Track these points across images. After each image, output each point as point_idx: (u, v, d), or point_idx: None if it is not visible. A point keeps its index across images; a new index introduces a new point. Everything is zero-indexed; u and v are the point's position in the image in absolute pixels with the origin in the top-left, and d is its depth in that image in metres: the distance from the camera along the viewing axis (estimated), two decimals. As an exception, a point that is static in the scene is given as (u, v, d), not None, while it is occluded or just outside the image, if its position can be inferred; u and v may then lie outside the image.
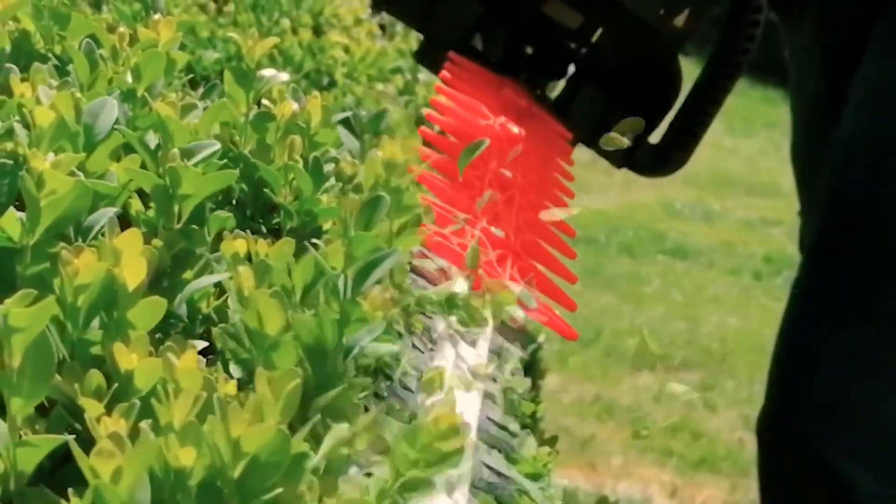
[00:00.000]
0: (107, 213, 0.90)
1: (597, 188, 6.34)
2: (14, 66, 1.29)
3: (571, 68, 2.34)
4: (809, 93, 2.04)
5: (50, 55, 1.45)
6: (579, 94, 2.27)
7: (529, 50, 2.38)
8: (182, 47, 1.78)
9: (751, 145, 8.56)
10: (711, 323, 5.06)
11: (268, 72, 1.31)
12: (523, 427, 1.38)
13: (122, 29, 1.54)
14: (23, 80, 1.20)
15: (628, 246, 5.83)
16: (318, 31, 2.66)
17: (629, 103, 2.15)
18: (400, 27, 3.04)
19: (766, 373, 1.80)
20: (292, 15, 2.65)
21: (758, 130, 8.98)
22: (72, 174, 0.87)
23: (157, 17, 1.51)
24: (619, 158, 2.28)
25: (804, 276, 1.79)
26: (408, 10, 2.41)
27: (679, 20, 2.12)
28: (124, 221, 0.95)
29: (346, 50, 2.54)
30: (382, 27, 3.02)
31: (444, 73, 1.99)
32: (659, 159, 2.16)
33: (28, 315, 0.65)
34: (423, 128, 1.51)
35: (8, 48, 1.36)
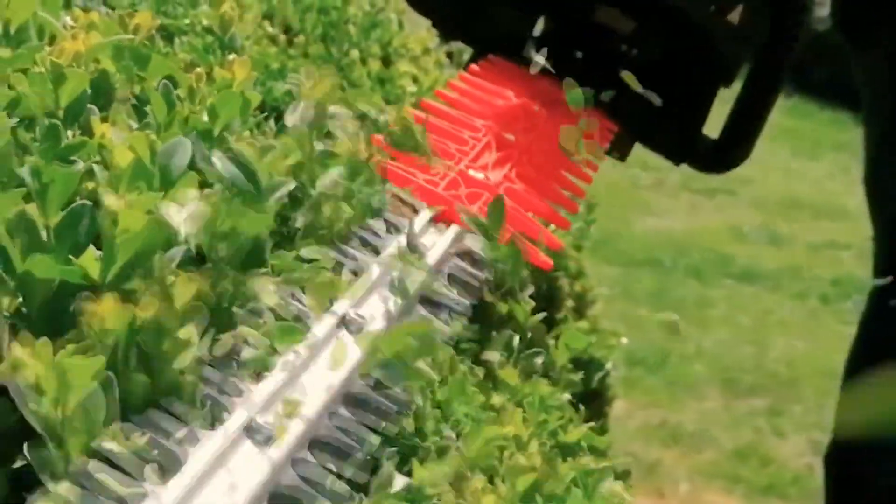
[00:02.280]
0: (179, 252, 0.92)
1: (662, 211, 6.32)
2: (94, 107, 1.32)
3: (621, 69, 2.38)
4: (884, 116, 2.04)
5: (130, 96, 1.49)
6: (630, 94, 2.30)
7: (579, 54, 2.43)
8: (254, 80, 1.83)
9: (818, 168, 8.48)
10: (779, 347, 5.02)
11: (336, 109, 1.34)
12: (596, 458, 1.39)
13: (199, 69, 1.58)
14: (103, 120, 1.23)
15: (694, 269, 5.80)
16: (386, 61, 2.68)
17: (680, 100, 2.20)
18: (467, 55, 3.05)
19: (834, 398, 1.79)
20: (361, 45, 2.68)
21: (825, 153, 8.90)
22: (149, 213, 0.90)
23: (231, 56, 1.55)
24: (678, 154, 2.32)
25: (872, 305, 1.79)
26: (457, 22, 2.47)
27: (733, 16, 2.15)
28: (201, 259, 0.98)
29: (415, 80, 2.56)
30: (450, 56, 3.05)
31: (474, 66, 2.08)
32: (718, 155, 2.19)
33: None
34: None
35: (89, 90, 1.39)
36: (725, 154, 2.17)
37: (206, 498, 0.71)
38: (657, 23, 2.18)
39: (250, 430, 0.80)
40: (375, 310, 1.06)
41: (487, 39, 2.39)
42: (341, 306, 1.00)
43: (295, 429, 0.84)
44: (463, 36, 2.52)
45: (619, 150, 2.61)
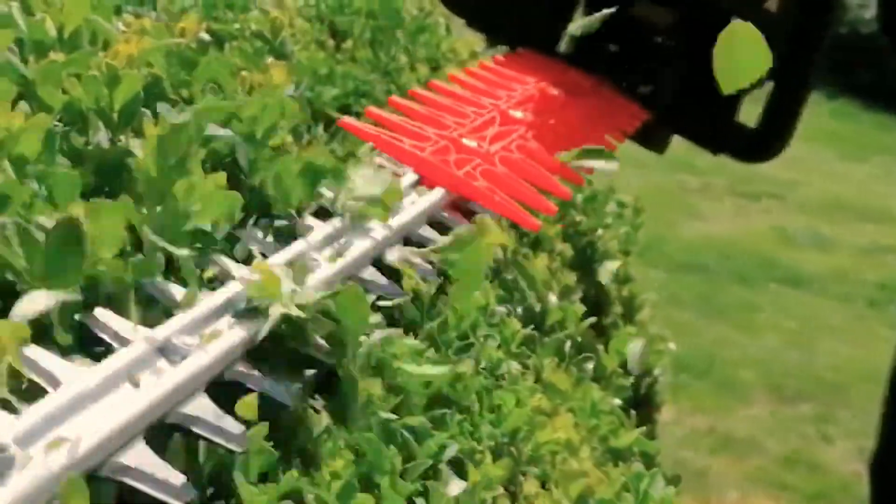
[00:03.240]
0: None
1: (708, 214, 6.29)
2: (147, 111, 1.34)
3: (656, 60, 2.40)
4: None
5: (179, 99, 1.51)
6: (668, 85, 2.33)
7: (614, 47, 2.46)
8: (299, 85, 1.84)
9: (863, 170, 8.41)
10: (825, 352, 4.98)
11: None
12: (647, 467, 1.39)
13: (244, 73, 1.59)
14: (155, 124, 1.25)
15: (740, 273, 5.76)
16: (435, 65, 2.68)
17: (715, 90, 2.22)
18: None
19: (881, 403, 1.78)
20: (410, 50, 2.68)
21: (870, 156, 8.82)
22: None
23: (269, 60, 1.57)
24: (716, 144, 2.35)
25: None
26: (490, 19, 2.49)
27: (770, 4, 2.17)
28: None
29: (462, 84, 2.56)
30: (497, 60, 3.04)
31: (498, 56, 2.16)
32: (757, 144, 2.21)
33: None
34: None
35: (141, 93, 1.41)
36: (764, 143, 2.20)
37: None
38: (693, 14, 2.21)
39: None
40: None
41: (520, 34, 2.42)
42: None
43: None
44: (495, 32, 2.54)
45: (658, 144, 2.63)
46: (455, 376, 1.14)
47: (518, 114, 1.84)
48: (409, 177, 1.44)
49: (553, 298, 1.57)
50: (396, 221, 1.29)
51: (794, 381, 4.57)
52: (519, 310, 1.44)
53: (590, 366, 1.54)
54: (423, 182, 1.43)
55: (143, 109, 1.35)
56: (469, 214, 1.44)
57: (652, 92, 2.37)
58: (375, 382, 1.05)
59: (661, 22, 2.34)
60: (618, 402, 1.55)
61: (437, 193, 1.42)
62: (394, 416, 1.02)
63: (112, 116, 1.35)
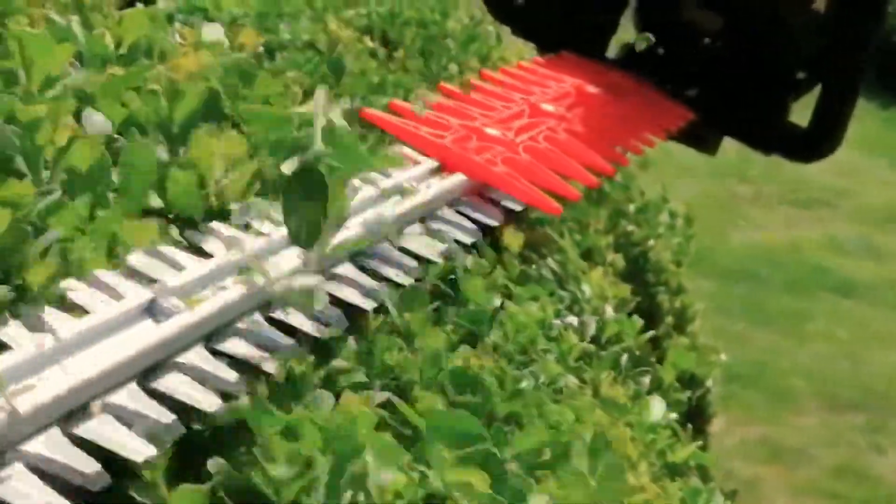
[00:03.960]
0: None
1: (759, 223, 6.24)
2: (205, 124, 1.35)
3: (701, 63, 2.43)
4: None
5: (234, 113, 1.52)
6: (717, 87, 2.36)
7: (661, 51, 2.48)
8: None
9: (916, 178, 8.31)
10: (877, 362, 4.93)
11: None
12: (703, 480, 1.38)
13: (296, 89, 1.62)
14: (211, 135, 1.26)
15: (791, 282, 5.71)
16: (486, 74, 2.68)
17: (765, 91, 2.25)
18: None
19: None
20: (460, 59, 2.68)
21: (923, 164, 8.73)
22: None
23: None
24: (767, 145, 2.37)
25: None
26: (537, 26, 2.51)
27: (818, 4, 2.19)
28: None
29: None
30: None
31: (539, 58, 2.21)
32: (808, 143, 2.24)
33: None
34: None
35: (199, 108, 1.42)
36: (815, 142, 2.23)
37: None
38: (742, 17, 2.24)
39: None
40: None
41: (566, 41, 2.43)
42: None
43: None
44: (542, 39, 2.55)
45: (709, 145, 2.64)
46: (515, 392, 1.13)
47: (549, 108, 1.89)
48: (430, 164, 1.48)
49: (610, 311, 1.56)
50: (411, 202, 1.33)
51: (846, 391, 4.53)
52: (576, 323, 1.44)
53: (646, 379, 1.53)
54: (443, 168, 1.48)
55: (202, 123, 1.37)
56: (494, 203, 1.48)
57: (701, 94, 2.40)
58: (436, 398, 1.05)
59: (709, 25, 2.36)
60: (674, 416, 1.54)
61: (458, 179, 1.46)
62: (455, 433, 1.02)
63: (171, 129, 1.36)
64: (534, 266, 1.47)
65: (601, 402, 1.36)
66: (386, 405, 1.00)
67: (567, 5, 2.51)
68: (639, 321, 1.60)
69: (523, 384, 1.16)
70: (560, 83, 2.09)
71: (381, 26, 2.80)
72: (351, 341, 1.06)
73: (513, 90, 1.98)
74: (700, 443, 1.46)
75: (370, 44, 2.71)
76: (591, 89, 2.10)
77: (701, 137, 2.52)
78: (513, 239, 1.47)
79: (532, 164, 1.60)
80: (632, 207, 2.73)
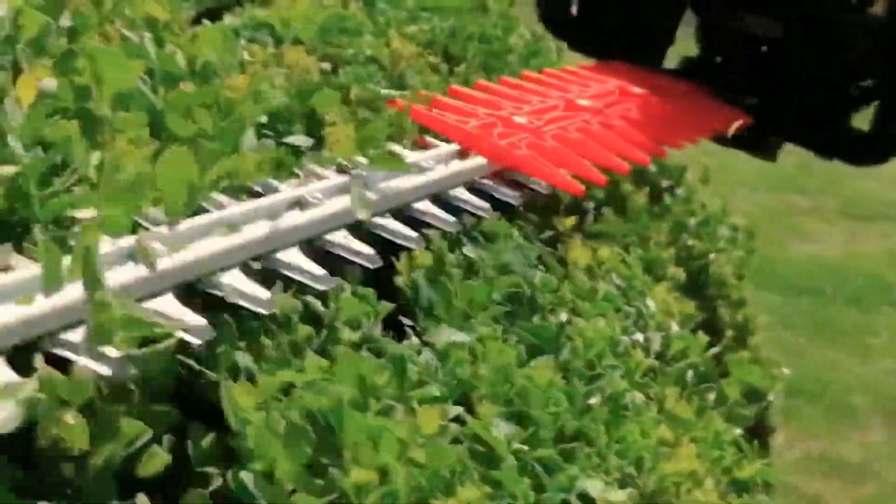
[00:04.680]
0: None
1: (820, 236, 6.19)
2: (270, 134, 1.38)
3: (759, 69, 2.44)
4: None
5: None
6: (776, 93, 2.37)
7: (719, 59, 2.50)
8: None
9: (981, 192, 8.21)
10: (942, 377, 4.87)
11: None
12: (769, 497, 1.37)
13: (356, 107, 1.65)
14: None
15: (855, 297, 5.65)
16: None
17: (826, 96, 2.26)
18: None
19: None
20: (521, 74, 2.68)
21: None
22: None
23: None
24: (828, 149, 2.37)
25: None
26: (592, 39, 2.52)
27: (877, 7, 2.19)
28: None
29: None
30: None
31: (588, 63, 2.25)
32: (870, 147, 2.24)
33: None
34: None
35: (265, 119, 1.44)
36: (877, 146, 2.23)
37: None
38: (801, 22, 2.24)
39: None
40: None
41: (621, 53, 2.44)
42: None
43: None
44: (597, 53, 2.56)
45: (768, 151, 2.64)
46: (584, 408, 1.14)
47: (586, 102, 1.94)
48: (452, 147, 1.54)
49: (675, 327, 1.56)
50: (426, 177, 1.39)
51: (910, 406, 4.48)
52: (641, 339, 1.44)
53: (712, 395, 1.53)
54: (465, 151, 1.53)
55: (268, 132, 1.40)
56: (518, 186, 1.53)
57: (761, 100, 2.41)
58: (505, 413, 1.06)
59: (769, 32, 2.37)
60: (739, 431, 1.54)
61: (479, 160, 1.52)
62: (525, 448, 1.03)
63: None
64: (600, 282, 1.47)
65: (666, 417, 1.37)
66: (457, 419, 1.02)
67: (622, 18, 2.52)
68: (704, 338, 1.60)
69: (592, 400, 1.17)
70: (603, 84, 2.15)
71: (444, 41, 2.82)
72: (424, 355, 1.07)
73: (551, 88, 2.04)
74: (767, 460, 1.46)
75: (432, 59, 2.73)
76: (636, 90, 2.16)
77: (760, 144, 2.53)
78: (580, 254, 1.48)
79: (558, 150, 1.64)
80: (693, 221, 2.72)
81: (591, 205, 2.49)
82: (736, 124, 2.32)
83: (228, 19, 2.78)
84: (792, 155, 2.62)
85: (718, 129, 2.27)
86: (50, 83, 1.24)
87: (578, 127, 1.77)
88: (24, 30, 1.42)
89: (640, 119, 1.97)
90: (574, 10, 2.56)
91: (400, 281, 1.19)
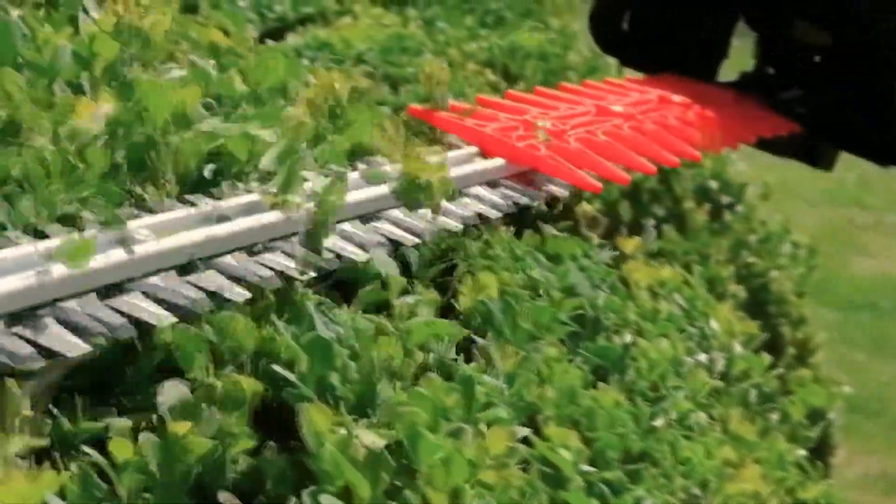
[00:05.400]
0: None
1: (880, 251, 6.14)
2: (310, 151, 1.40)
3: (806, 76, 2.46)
4: None
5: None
6: (829, 101, 2.38)
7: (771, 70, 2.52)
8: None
9: None
10: None
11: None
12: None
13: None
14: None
15: (915, 313, 5.60)
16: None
17: (880, 103, 2.26)
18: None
19: None
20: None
21: None
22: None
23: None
24: (884, 156, 2.38)
25: None
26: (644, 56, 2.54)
27: None
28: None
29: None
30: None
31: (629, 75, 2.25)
32: None
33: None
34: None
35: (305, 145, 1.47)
36: None
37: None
38: (853, 32, 2.26)
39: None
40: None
41: (671, 68, 2.46)
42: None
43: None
44: (650, 69, 2.57)
45: (824, 161, 2.65)
46: (649, 429, 1.15)
47: (618, 108, 1.95)
48: (470, 149, 1.55)
49: (738, 347, 1.57)
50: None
51: (972, 425, 4.42)
52: (704, 359, 1.45)
53: (775, 416, 1.53)
54: (484, 153, 1.54)
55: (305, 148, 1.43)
56: (536, 185, 1.54)
57: (815, 109, 2.43)
58: (572, 435, 1.07)
59: (819, 42, 2.40)
60: (803, 452, 1.54)
61: (498, 161, 1.53)
62: (592, 470, 1.04)
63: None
64: (662, 302, 1.48)
65: (730, 438, 1.37)
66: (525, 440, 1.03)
67: (672, 33, 2.54)
68: (766, 358, 1.61)
69: (657, 421, 1.18)
70: (644, 93, 2.16)
71: (503, 59, 2.84)
72: (491, 376, 1.09)
73: (585, 96, 2.05)
74: (831, 481, 1.46)
75: (491, 76, 2.75)
76: (676, 98, 2.16)
77: (816, 153, 2.55)
78: (642, 274, 1.49)
79: (580, 151, 1.65)
80: (753, 238, 2.72)
81: (651, 222, 2.51)
82: (778, 132, 2.34)
83: (291, 39, 2.82)
84: (853, 170, 2.62)
85: (762, 136, 2.28)
86: (107, 108, 1.26)
87: (607, 131, 1.78)
88: (99, 56, 1.45)
89: (676, 124, 1.99)
90: (625, 26, 2.57)
91: (466, 302, 1.21)
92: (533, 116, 1.74)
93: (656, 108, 2.04)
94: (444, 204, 1.31)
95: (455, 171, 1.39)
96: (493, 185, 1.47)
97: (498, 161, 1.52)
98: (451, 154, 1.49)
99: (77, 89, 1.39)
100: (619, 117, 1.90)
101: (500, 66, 2.84)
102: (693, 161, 2.02)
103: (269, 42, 2.75)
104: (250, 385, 0.93)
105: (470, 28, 3.04)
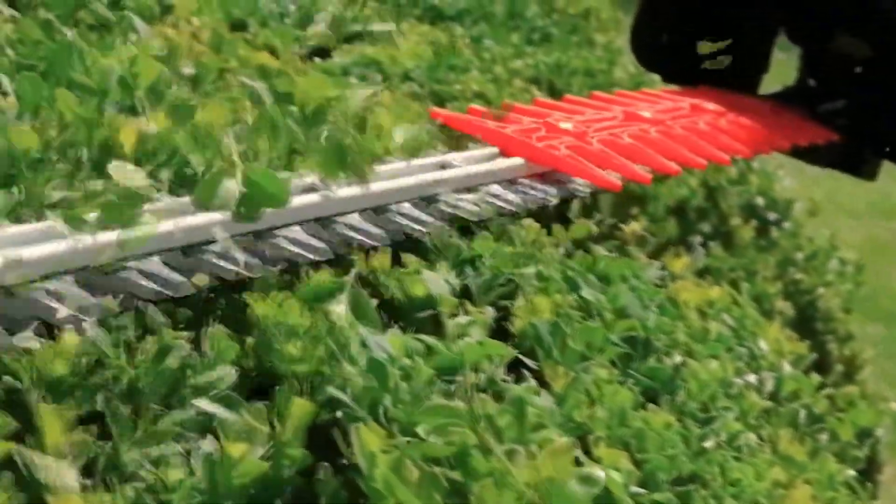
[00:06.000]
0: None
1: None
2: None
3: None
4: None
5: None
6: (871, 111, 2.40)
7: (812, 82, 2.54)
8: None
9: None
10: None
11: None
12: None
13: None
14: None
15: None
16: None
17: None
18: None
19: None
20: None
21: None
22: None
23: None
24: None
25: None
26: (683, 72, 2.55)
27: None
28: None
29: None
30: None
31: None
32: None
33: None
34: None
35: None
36: None
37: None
38: (893, 41, 2.29)
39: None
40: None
41: (713, 83, 2.47)
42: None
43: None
44: (690, 82, 2.58)
45: (867, 171, 2.66)
46: (699, 451, 1.15)
47: (647, 114, 1.97)
48: (490, 149, 1.60)
49: (787, 367, 1.57)
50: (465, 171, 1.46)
51: None
52: (754, 380, 1.45)
53: (824, 436, 1.53)
54: (503, 153, 1.58)
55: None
56: (558, 182, 1.57)
57: (856, 119, 2.46)
58: (622, 456, 1.08)
59: (859, 53, 2.42)
60: (853, 472, 1.54)
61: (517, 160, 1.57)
62: (643, 491, 1.04)
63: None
64: (711, 322, 1.48)
65: (780, 459, 1.37)
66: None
67: (712, 47, 2.55)
68: (816, 378, 1.60)
69: (706, 443, 1.18)
70: (676, 102, 2.18)
71: (549, 76, 2.85)
72: (543, 397, 1.09)
73: (614, 103, 2.07)
74: (878, 502, 1.45)
75: (537, 93, 2.76)
76: (710, 106, 2.18)
77: (858, 163, 2.56)
78: (691, 294, 1.49)
79: (602, 152, 1.67)
80: (800, 255, 2.71)
81: (698, 239, 2.50)
82: (814, 140, 2.36)
83: (338, 57, 2.83)
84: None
85: (797, 143, 2.29)
86: (150, 129, 1.28)
87: (633, 134, 1.81)
88: (141, 78, 1.47)
89: (706, 129, 2.01)
90: (664, 42, 2.59)
91: (517, 323, 1.21)
92: (555, 119, 1.78)
93: (688, 115, 2.08)
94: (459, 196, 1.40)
95: (474, 169, 1.47)
96: (513, 182, 1.54)
97: (517, 160, 1.56)
98: (471, 153, 1.56)
99: (126, 110, 1.41)
100: (647, 122, 1.93)
101: (546, 83, 2.84)
102: (721, 164, 2.05)
103: (316, 60, 2.77)
104: (304, 405, 0.94)
105: (516, 45, 3.05)
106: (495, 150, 1.60)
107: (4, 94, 1.33)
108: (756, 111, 2.27)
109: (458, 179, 1.43)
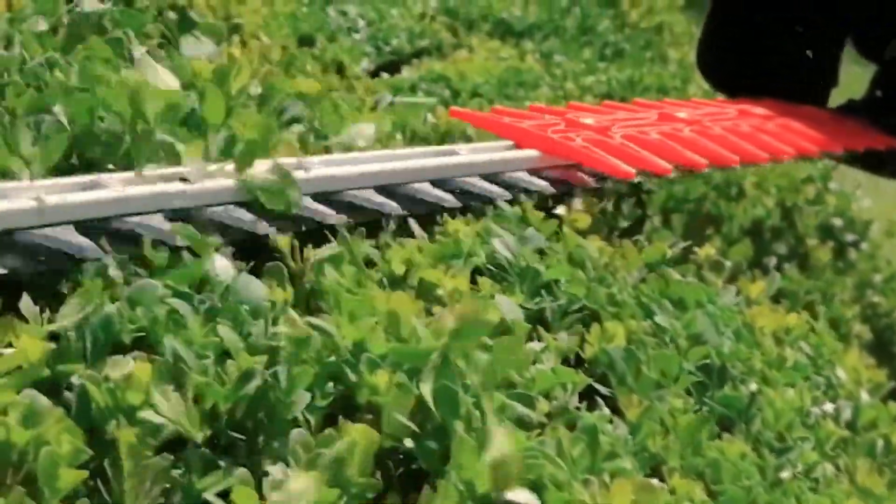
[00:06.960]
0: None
1: None
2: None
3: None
4: None
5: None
6: None
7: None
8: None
9: None
10: None
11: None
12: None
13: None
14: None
15: None
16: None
17: None
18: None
19: None
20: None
21: None
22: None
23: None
24: None
25: None
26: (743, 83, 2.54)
27: None
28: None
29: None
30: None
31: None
32: None
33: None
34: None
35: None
36: None
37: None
38: None
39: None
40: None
41: (767, 93, 2.45)
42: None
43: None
44: (743, 94, 2.56)
45: None
46: (775, 481, 1.13)
47: (683, 114, 1.98)
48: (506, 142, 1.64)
49: (865, 396, 1.53)
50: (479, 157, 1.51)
51: None
52: (831, 409, 1.41)
53: (903, 466, 1.49)
54: (518, 146, 1.62)
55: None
56: (578, 180, 1.61)
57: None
58: (697, 487, 1.05)
59: None
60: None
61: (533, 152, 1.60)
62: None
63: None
64: (788, 349, 1.45)
65: (857, 490, 1.34)
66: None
67: (779, 64, 2.54)
68: (894, 407, 1.57)
69: (783, 473, 1.15)
70: (723, 107, 2.19)
71: (621, 92, 2.83)
72: (616, 425, 1.07)
73: (653, 108, 2.07)
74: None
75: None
76: (758, 111, 2.18)
77: None
78: (767, 320, 1.46)
79: (623, 146, 1.68)
80: (878, 277, 2.66)
81: (773, 261, 2.46)
82: (868, 145, 2.35)
83: (406, 72, 2.83)
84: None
85: (852, 148, 2.29)
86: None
87: (663, 131, 1.81)
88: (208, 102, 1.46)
89: (748, 131, 2.01)
90: (731, 60, 2.58)
91: (591, 351, 1.19)
92: (577, 115, 1.80)
93: (732, 118, 2.08)
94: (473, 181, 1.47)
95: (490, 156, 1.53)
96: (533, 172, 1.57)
97: (532, 151, 1.59)
98: (487, 144, 1.62)
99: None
100: (682, 122, 1.93)
101: (619, 100, 2.82)
102: (757, 163, 2.04)
103: (384, 75, 2.76)
104: (369, 433, 0.92)
105: (587, 61, 3.03)
106: (509, 142, 1.63)
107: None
108: (811, 118, 2.27)
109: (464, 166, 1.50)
